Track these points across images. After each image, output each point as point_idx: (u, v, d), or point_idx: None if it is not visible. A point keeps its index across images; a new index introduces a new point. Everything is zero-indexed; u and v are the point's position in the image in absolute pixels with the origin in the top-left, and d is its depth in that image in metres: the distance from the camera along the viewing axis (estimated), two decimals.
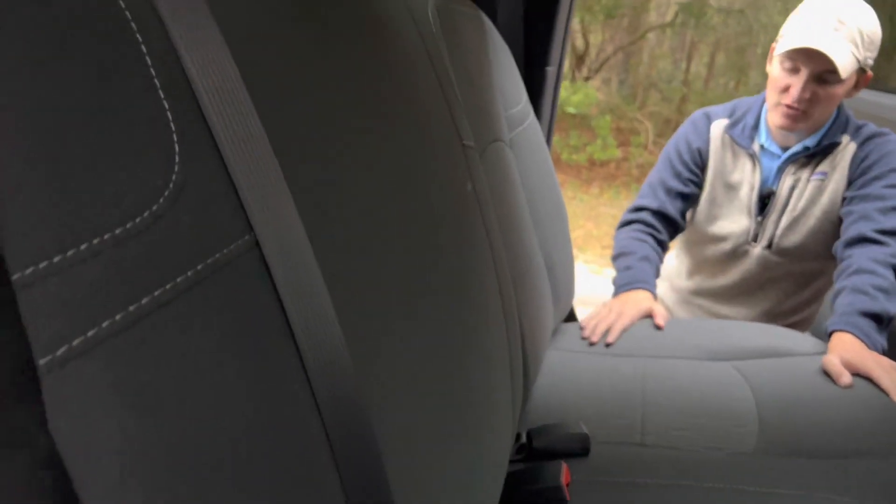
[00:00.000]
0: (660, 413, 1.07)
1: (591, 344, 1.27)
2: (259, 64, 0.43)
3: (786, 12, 1.37)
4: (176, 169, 0.33)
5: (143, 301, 0.31)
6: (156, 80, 0.33)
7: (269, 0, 0.47)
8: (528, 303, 1.04)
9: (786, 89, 1.31)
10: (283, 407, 0.39)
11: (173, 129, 0.34)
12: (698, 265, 1.58)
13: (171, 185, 0.33)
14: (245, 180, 0.37)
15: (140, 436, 0.30)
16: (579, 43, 7.84)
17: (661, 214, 1.46)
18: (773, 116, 1.36)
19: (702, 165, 1.45)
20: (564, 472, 0.82)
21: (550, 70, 1.39)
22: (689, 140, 1.46)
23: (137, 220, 0.31)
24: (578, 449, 0.93)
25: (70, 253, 0.28)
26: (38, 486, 0.27)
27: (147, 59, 0.33)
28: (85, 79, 0.30)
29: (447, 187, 0.74)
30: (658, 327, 1.30)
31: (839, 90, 1.28)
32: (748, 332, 1.30)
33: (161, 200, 0.32)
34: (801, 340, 1.27)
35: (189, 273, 0.33)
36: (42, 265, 0.27)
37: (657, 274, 1.42)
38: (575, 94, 6.92)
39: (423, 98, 0.73)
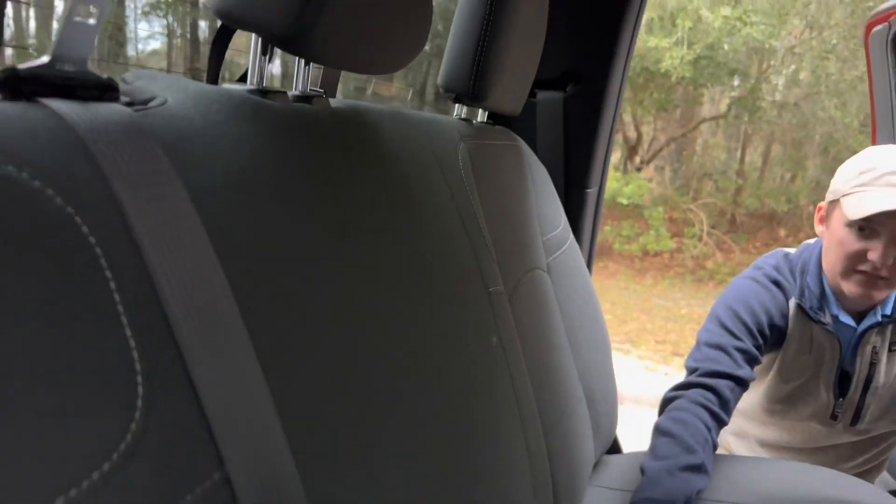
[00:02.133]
0: None
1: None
2: (238, 243, 0.42)
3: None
4: (136, 416, 0.31)
5: None
6: (122, 316, 0.32)
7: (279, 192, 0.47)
8: (563, 447, 0.98)
9: (860, 255, 1.16)
10: None
11: (138, 369, 0.32)
12: (765, 422, 1.46)
13: (128, 437, 0.30)
14: (221, 412, 0.35)
15: None
16: (631, 134, 7.90)
17: (736, 379, 1.20)
18: (847, 285, 1.19)
19: (777, 335, 1.33)
20: None
21: (591, 192, 1.37)
22: (767, 308, 1.33)
23: (83, 484, 0.28)
24: None
25: None
26: None
27: (106, 270, 0.31)
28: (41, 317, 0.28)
29: (466, 339, 0.71)
30: None
31: None
32: (812, 478, 1.19)
33: (114, 457, 0.30)
34: (870, 493, 1.15)
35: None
36: None
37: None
38: (627, 184, 6.91)
39: (450, 256, 0.72)
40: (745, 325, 1.22)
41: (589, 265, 1.48)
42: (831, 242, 1.21)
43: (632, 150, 8.08)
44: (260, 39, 0.54)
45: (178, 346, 0.34)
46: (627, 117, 7.65)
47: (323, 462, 0.44)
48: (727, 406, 1.16)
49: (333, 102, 0.64)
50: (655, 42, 6.54)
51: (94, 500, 0.29)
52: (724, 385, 1.17)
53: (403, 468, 0.55)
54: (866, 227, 1.14)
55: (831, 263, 1.21)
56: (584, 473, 1.12)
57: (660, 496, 1.01)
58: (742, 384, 1.19)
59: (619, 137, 8.04)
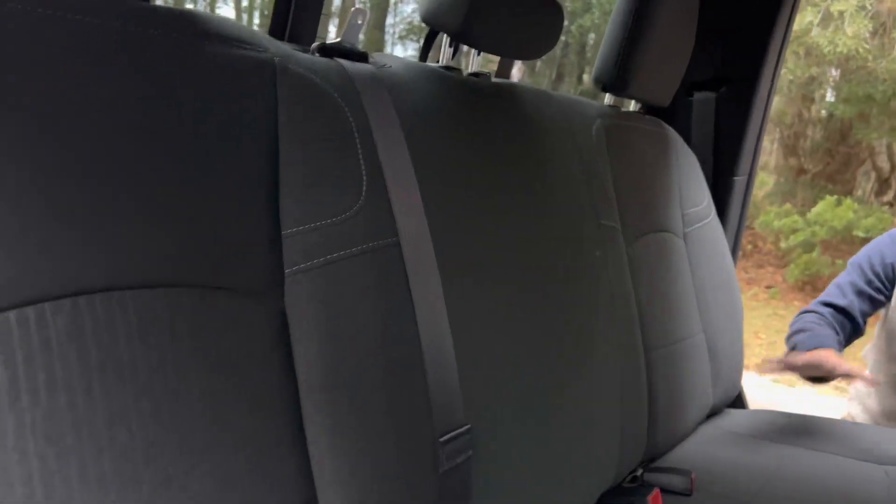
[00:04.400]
0: (788, 500, 1.14)
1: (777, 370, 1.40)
2: (423, 149, 0.78)
3: None
4: (363, 192, 0.69)
5: (335, 254, 0.66)
6: (358, 148, 0.70)
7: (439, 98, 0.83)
8: (668, 386, 1.22)
9: None
10: (399, 346, 0.70)
11: (364, 176, 0.69)
12: (892, 387, 1.55)
13: (360, 200, 0.68)
14: (398, 208, 0.71)
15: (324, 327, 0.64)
16: (884, 165, 7.21)
17: (846, 313, 1.49)
18: None
19: (892, 280, 1.47)
20: (655, 495, 0.99)
21: (739, 180, 1.56)
22: (883, 254, 1.49)
23: (342, 215, 0.66)
24: (680, 487, 1.07)
25: (307, 226, 0.64)
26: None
27: (356, 139, 0.70)
28: (333, 148, 0.67)
29: (574, 249, 1.01)
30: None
31: None
32: None
33: (356, 206, 0.67)
34: None
35: (361, 246, 0.68)
36: (299, 228, 0.63)
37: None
38: (867, 217, 6.37)
39: (565, 186, 1.03)
40: (872, 270, 1.43)
41: (735, 249, 1.66)
42: None
43: (884, 182, 7.37)
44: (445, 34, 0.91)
45: (383, 177, 0.71)
46: (879, 144, 7.00)
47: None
48: (839, 327, 1.47)
49: (494, 79, 1.00)
50: None
51: (342, 225, 0.67)
52: (834, 315, 1.49)
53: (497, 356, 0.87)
54: None
55: None
56: (689, 414, 1.33)
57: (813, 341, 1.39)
58: (853, 321, 1.49)
59: (867, 167, 7.38)
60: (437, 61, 0.93)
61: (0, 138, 0.46)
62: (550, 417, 0.92)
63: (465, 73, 0.96)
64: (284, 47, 0.68)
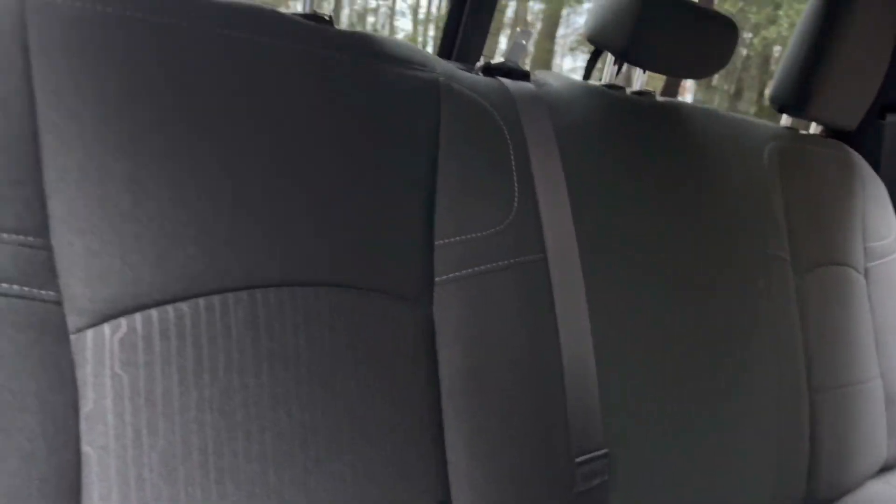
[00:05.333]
0: None
1: None
2: (578, 168, 0.79)
3: None
4: (514, 208, 0.71)
5: (483, 266, 0.68)
6: (513, 164, 0.72)
7: (601, 128, 0.83)
8: (834, 436, 1.12)
9: None
10: (540, 361, 0.72)
11: (516, 192, 0.71)
12: None
13: (511, 215, 0.70)
14: (547, 225, 0.73)
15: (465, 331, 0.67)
16: None
17: None
18: None
19: None
20: None
21: None
22: None
23: (493, 229, 0.69)
24: None
25: (459, 237, 0.67)
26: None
27: (511, 156, 0.72)
28: (489, 164, 0.70)
29: (734, 277, 0.96)
30: None
31: None
32: None
33: (506, 220, 0.70)
34: None
35: (510, 260, 0.70)
36: (451, 239, 0.66)
37: None
38: None
39: (729, 211, 0.98)
40: None
41: None
42: None
43: None
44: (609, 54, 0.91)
45: (534, 191, 0.73)
46: None
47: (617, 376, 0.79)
48: None
49: (659, 97, 0.98)
50: None
51: (494, 237, 0.69)
52: None
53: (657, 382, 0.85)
54: None
55: None
56: (858, 466, 1.21)
57: None
58: None
59: None
60: (602, 79, 0.93)
61: (201, 147, 0.53)
62: (695, 449, 0.88)
63: (628, 91, 0.95)
64: (451, 67, 0.72)
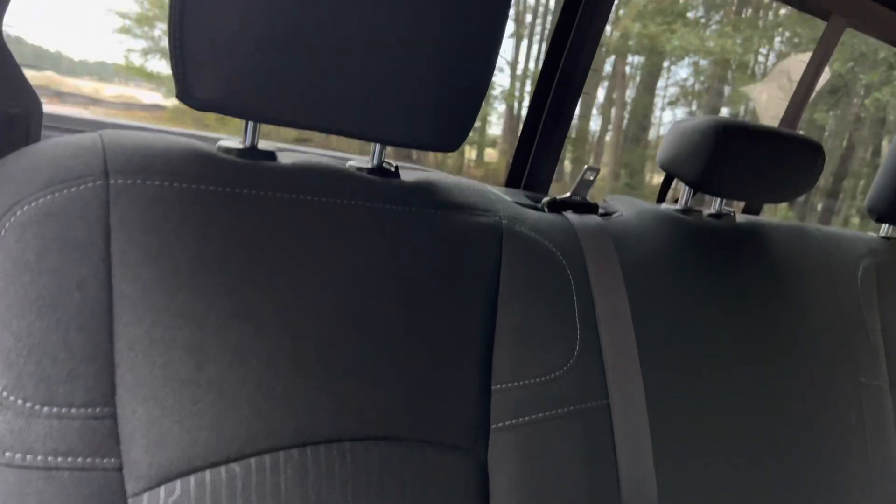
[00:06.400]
0: None
1: None
2: (646, 304, 0.77)
3: None
4: (576, 351, 0.70)
5: (542, 414, 0.67)
6: (576, 306, 0.71)
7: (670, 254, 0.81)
8: None
9: None
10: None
11: (578, 336, 0.70)
12: None
13: (572, 359, 0.69)
14: (611, 369, 0.71)
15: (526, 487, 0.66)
16: None
17: None
18: None
19: None
20: None
21: None
22: None
23: (553, 374, 0.68)
24: None
25: (517, 383, 0.66)
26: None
27: (574, 297, 0.71)
28: (550, 307, 0.69)
29: (820, 410, 0.90)
30: None
31: None
32: None
33: (567, 365, 0.69)
34: None
35: (570, 407, 0.69)
36: (509, 384, 0.66)
37: None
38: None
39: (816, 336, 0.93)
40: None
41: None
42: None
43: None
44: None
45: (598, 336, 0.72)
46: None
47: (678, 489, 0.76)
48: None
49: (739, 218, 0.94)
50: None
51: (553, 383, 0.68)
52: None
53: None
54: None
55: None
56: None
57: None
58: None
59: None
60: (677, 201, 0.91)
61: (265, 309, 0.56)
62: None
63: (705, 213, 0.92)
64: (515, 208, 0.73)
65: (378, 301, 0.61)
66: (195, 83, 0.51)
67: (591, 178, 0.77)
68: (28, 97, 0.57)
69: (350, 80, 0.54)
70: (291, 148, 0.76)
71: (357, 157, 0.69)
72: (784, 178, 0.89)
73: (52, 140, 0.54)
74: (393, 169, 0.67)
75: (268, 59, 0.52)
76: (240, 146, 0.60)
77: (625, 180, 5.31)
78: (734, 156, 0.82)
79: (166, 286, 0.52)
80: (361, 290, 0.60)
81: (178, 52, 0.50)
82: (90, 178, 0.51)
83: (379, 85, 0.56)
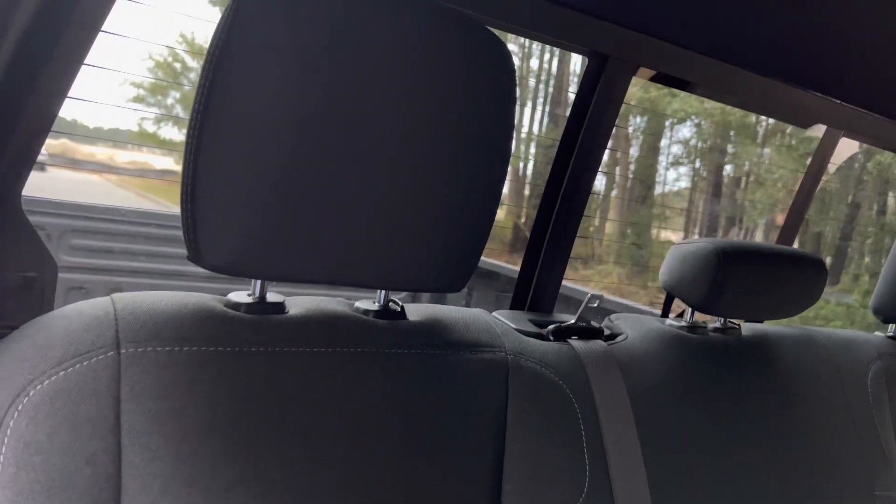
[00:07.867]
0: None
1: None
2: (654, 428, 0.77)
3: None
4: (586, 486, 0.69)
5: None
6: (584, 440, 0.71)
7: (676, 381, 0.81)
8: None
9: None
10: None
11: (587, 471, 0.70)
12: None
13: (582, 495, 0.69)
14: (621, 499, 0.71)
15: None
16: None
17: None
18: None
19: None
20: None
21: None
22: None
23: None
24: None
25: None
26: None
27: (582, 430, 0.71)
28: (558, 442, 0.69)
29: None
30: None
31: None
32: None
33: (580, 500, 0.68)
34: None
35: None
36: None
37: None
38: None
39: (826, 446, 0.92)
40: None
41: None
42: None
43: None
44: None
45: (608, 468, 0.72)
46: None
47: None
48: None
49: (745, 329, 0.95)
50: None
51: None
52: None
53: None
54: None
55: None
56: None
57: None
58: None
59: None
60: (682, 314, 0.92)
61: (267, 465, 0.56)
62: None
63: (710, 327, 0.93)
64: (519, 340, 0.73)
65: (387, 449, 0.61)
66: (207, 250, 0.53)
67: (595, 304, 0.78)
68: (45, 261, 0.59)
69: (355, 233, 0.56)
70: (299, 291, 0.77)
71: (363, 296, 0.70)
72: (786, 295, 0.90)
73: (66, 309, 0.56)
74: (399, 309, 0.68)
75: (275, 222, 0.53)
76: (249, 300, 0.61)
77: (631, 238, 5.34)
78: (736, 278, 0.83)
79: (174, 455, 0.53)
80: (369, 438, 0.61)
81: (190, 222, 0.52)
82: (102, 351, 0.52)
83: (384, 235, 0.57)
